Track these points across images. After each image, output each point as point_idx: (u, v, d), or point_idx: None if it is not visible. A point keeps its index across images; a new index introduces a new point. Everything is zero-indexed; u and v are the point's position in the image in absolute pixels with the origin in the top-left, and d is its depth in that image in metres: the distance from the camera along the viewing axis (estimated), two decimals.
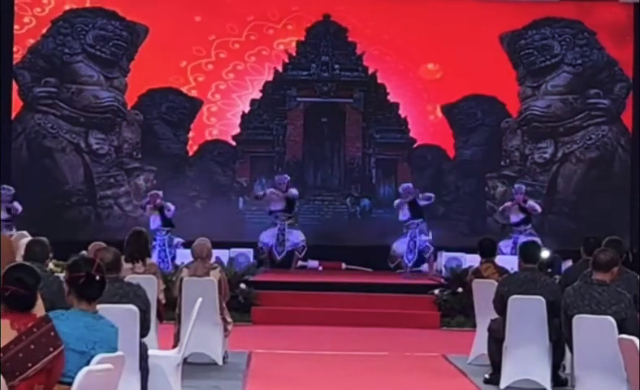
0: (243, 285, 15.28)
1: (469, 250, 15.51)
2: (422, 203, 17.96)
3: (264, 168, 20.07)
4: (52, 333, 4.81)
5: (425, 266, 18.04)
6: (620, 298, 7.86)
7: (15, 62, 19.62)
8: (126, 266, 9.42)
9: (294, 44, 20.24)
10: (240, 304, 14.85)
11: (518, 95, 20.26)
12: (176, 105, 20.08)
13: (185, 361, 9.18)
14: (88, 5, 19.97)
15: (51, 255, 8.87)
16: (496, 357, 9.90)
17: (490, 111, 20.25)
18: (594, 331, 7.68)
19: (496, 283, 10.12)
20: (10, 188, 17.61)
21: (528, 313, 9.48)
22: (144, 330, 7.70)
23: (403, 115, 20.17)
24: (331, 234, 19.73)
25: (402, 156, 20.24)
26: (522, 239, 16.71)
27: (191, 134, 20.09)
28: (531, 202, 18.18)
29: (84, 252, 8.23)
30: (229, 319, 11.20)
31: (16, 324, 4.81)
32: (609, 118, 20.17)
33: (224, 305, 11.17)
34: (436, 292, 15.53)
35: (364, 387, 10.32)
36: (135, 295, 7.75)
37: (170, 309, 10.67)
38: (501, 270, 11.11)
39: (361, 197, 20.26)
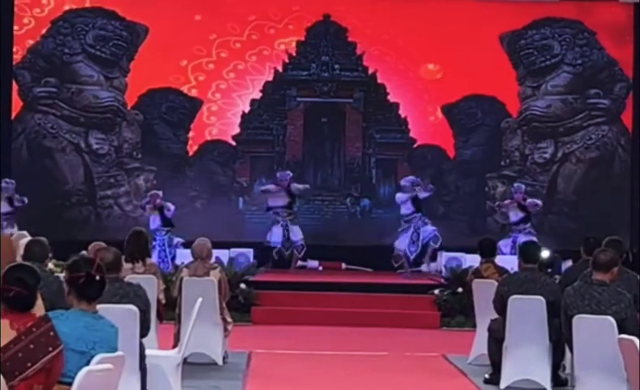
0: (243, 285, 15.28)
1: (469, 250, 15.50)
2: (423, 195, 17.95)
3: (264, 168, 20.07)
4: (51, 333, 4.81)
5: (425, 266, 18.03)
6: (620, 298, 7.86)
7: (15, 62, 19.63)
8: (126, 266, 9.42)
9: (294, 44, 20.24)
10: (239, 304, 14.84)
11: (518, 95, 20.26)
12: (176, 105, 20.08)
13: (185, 361, 9.18)
14: (87, 5, 19.97)
15: (50, 255, 8.88)
16: (496, 357, 9.90)
17: (490, 111, 20.25)
18: (594, 331, 7.68)
19: (496, 283, 10.11)
20: (12, 181, 17.71)
21: (528, 313, 9.48)
22: (144, 330, 7.70)
23: (403, 115, 20.17)
24: (331, 234, 19.74)
25: (402, 156, 20.24)
26: (521, 238, 16.77)
27: (191, 134, 20.09)
28: (531, 200, 18.20)
29: (84, 252, 8.23)
30: (229, 319, 11.20)
31: (15, 324, 4.81)
32: (609, 118, 20.17)
33: (224, 305, 11.17)
34: (436, 292, 15.53)
35: (364, 387, 10.32)
36: (135, 295, 7.75)
37: (170, 309, 10.67)
38: (501, 270, 11.11)
39: (361, 197, 20.27)
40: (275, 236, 18.27)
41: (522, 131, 20.26)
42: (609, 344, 7.30)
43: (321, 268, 19.08)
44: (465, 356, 11.32)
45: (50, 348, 4.77)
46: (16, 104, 19.70)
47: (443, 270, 16.74)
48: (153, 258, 13.81)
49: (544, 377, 9.51)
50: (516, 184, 18.79)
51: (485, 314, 10.50)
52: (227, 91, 20.11)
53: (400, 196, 18.08)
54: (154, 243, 16.70)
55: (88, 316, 5.14)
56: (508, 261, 14.12)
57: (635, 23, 19.89)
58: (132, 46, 19.95)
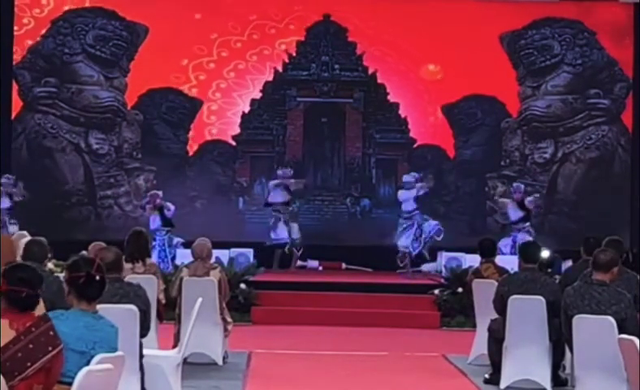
0: (243, 285, 15.28)
1: (469, 250, 15.50)
2: (422, 193, 18.02)
3: (264, 168, 20.07)
4: (51, 332, 4.81)
5: (425, 266, 18.04)
6: (620, 298, 7.86)
7: (15, 62, 19.63)
8: (126, 266, 9.41)
9: (294, 44, 20.24)
10: (239, 304, 14.84)
11: (518, 95, 20.27)
12: (176, 105, 20.08)
13: (185, 361, 9.18)
14: (87, 5, 19.96)
15: (49, 255, 8.88)
16: (496, 357, 9.90)
17: (490, 111, 20.25)
18: (594, 331, 7.67)
19: (496, 283, 10.11)
20: (12, 176, 17.77)
21: (528, 313, 9.48)
22: (144, 330, 7.70)
23: (403, 115, 20.17)
24: (331, 234, 19.74)
25: (402, 156, 20.24)
26: (519, 237, 16.80)
27: (191, 134, 20.10)
28: (529, 199, 18.22)
29: (84, 252, 8.23)
30: (229, 319, 11.20)
31: (15, 324, 4.80)
32: (609, 118, 20.17)
33: (224, 305, 11.17)
34: (436, 292, 15.53)
35: (364, 387, 10.32)
36: (135, 295, 7.75)
37: (170, 309, 10.67)
38: (501, 270, 11.11)
39: (361, 197, 20.27)
40: (281, 232, 18.30)
41: (522, 131, 20.27)
42: (609, 344, 7.30)
43: (321, 268, 19.09)
44: (465, 356, 11.31)
45: (50, 348, 4.77)
46: (16, 104, 19.70)
47: (443, 270, 16.74)
48: (153, 258, 13.80)
49: (544, 377, 9.51)
50: (515, 184, 18.80)
51: (485, 314, 10.50)
52: (227, 90, 20.12)
53: (405, 193, 18.02)
54: (154, 243, 16.70)
55: (88, 316, 5.14)
56: (508, 261, 14.12)
57: (635, 23, 19.89)
58: (132, 46, 19.95)
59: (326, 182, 20.32)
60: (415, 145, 20.22)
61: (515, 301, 9.53)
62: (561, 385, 9.78)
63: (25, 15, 19.79)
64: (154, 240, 16.76)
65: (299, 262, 18.77)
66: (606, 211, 19.45)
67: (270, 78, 20.16)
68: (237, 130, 20.12)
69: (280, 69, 20.20)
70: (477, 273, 11.37)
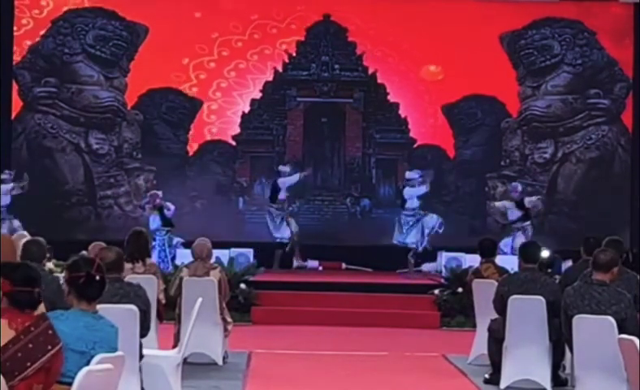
0: (243, 285, 15.29)
1: (469, 250, 15.51)
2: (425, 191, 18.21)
3: (264, 168, 20.07)
4: (50, 331, 4.80)
5: (425, 266, 18.05)
6: (620, 298, 7.86)
7: (15, 62, 19.63)
8: (126, 266, 9.41)
9: (294, 44, 20.24)
10: (239, 304, 14.85)
11: (518, 95, 20.26)
12: (176, 105, 20.08)
13: (185, 361, 9.18)
14: (87, 5, 19.96)
15: (48, 255, 8.89)
16: (496, 357, 9.90)
17: (490, 111, 20.25)
18: (594, 331, 7.67)
19: (496, 283, 10.11)
20: (11, 172, 17.83)
21: (528, 313, 9.48)
22: (144, 330, 7.70)
23: (403, 115, 20.17)
24: (331, 234, 19.74)
25: (402, 156, 20.23)
26: (518, 237, 16.86)
27: (191, 134, 20.10)
28: (528, 198, 18.24)
29: (84, 252, 8.24)
30: (229, 319, 11.20)
31: (14, 323, 4.80)
32: (609, 118, 20.17)
33: (224, 305, 11.17)
34: (436, 292, 15.53)
35: (364, 387, 10.32)
36: (135, 295, 7.75)
37: (170, 309, 10.67)
38: (501, 270, 11.11)
39: (361, 197, 20.27)
40: (285, 230, 18.33)
41: (522, 131, 20.26)
42: (609, 344, 7.30)
43: (321, 268, 19.09)
44: (465, 356, 11.31)
45: (49, 347, 4.77)
46: (16, 104, 19.70)
47: (443, 270, 16.75)
48: (153, 258, 13.80)
49: (544, 377, 9.51)
50: (512, 184, 18.83)
51: (485, 314, 10.50)
52: (227, 90, 20.12)
53: (411, 190, 18.03)
54: (154, 243, 16.70)
55: (88, 316, 5.14)
56: (508, 261, 14.12)
57: (635, 23, 19.89)
58: (132, 46, 19.95)
59: (326, 182, 20.32)
60: (415, 145, 20.22)
61: (515, 301, 9.53)
62: (561, 385, 9.78)
63: (24, 15, 19.78)
64: (154, 240, 16.77)
65: (299, 262, 18.77)
66: (606, 211, 19.45)
67: (270, 78, 20.16)
68: (237, 130, 20.12)
69: (280, 69, 20.20)
70: (477, 273, 11.36)
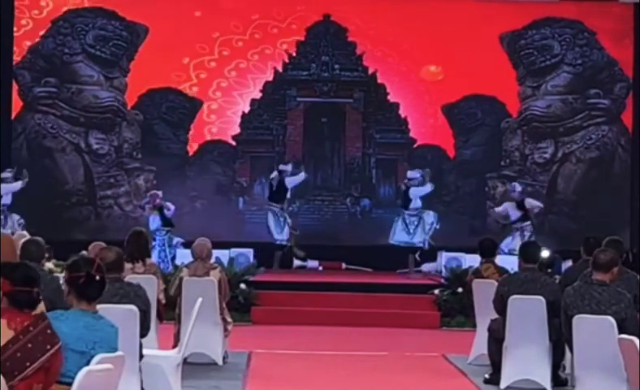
0: (243, 285, 15.28)
1: (469, 250, 15.51)
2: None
3: (264, 168, 20.05)
4: (48, 331, 4.80)
5: (425, 266, 18.05)
6: (620, 298, 7.86)
7: (15, 62, 19.62)
8: (126, 266, 9.41)
9: (294, 44, 20.24)
10: (239, 304, 14.85)
11: (518, 95, 20.26)
12: (176, 105, 20.08)
13: (185, 361, 9.18)
14: (87, 5, 19.96)
15: (47, 255, 8.89)
16: (496, 357, 9.90)
17: (490, 111, 20.25)
18: (594, 331, 7.67)
19: (496, 283, 10.11)
20: (11, 170, 17.85)
21: (528, 313, 9.48)
22: (144, 330, 7.70)
23: (403, 115, 20.17)
24: (331, 234, 19.75)
25: (402, 156, 20.23)
26: (516, 237, 16.91)
27: (191, 134, 20.09)
28: (529, 200, 18.23)
29: (84, 252, 8.24)
30: (229, 319, 11.20)
31: (12, 323, 4.80)
32: (609, 118, 20.17)
33: (224, 305, 11.17)
34: (436, 292, 15.53)
35: (364, 387, 10.32)
36: (135, 295, 7.75)
37: (170, 309, 10.67)
38: (501, 270, 11.11)
39: (361, 197, 20.26)
40: (285, 232, 18.33)
41: (522, 131, 20.26)
42: (609, 344, 7.30)
43: (321, 268, 19.09)
44: (465, 356, 11.31)
45: (48, 346, 4.77)
46: (16, 104, 19.70)
47: (443, 270, 16.75)
48: (153, 258, 13.80)
49: (544, 377, 9.51)
50: (511, 184, 18.84)
51: (485, 314, 10.50)
52: (227, 89, 20.11)
53: (418, 189, 18.06)
54: (154, 243, 16.70)
55: (88, 316, 5.14)
56: (509, 261, 14.12)
57: (635, 23, 19.88)
58: (132, 46, 19.95)
59: (326, 182, 20.32)
60: (415, 145, 20.22)
61: (515, 301, 9.53)
62: (561, 385, 9.78)
63: (24, 16, 19.77)
64: (154, 240, 16.77)
65: (299, 262, 18.77)
66: (606, 211, 19.45)
67: (271, 78, 20.16)
68: (237, 129, 20.12)
69: (280, 69, 20.20)
70: (477, 273, 11.37)
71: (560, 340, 9.21)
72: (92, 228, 19.31)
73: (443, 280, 16.04)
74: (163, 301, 9.94)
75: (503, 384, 9.62)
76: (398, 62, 20.15)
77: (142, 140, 20.00)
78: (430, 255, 18.13)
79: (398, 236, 18.17)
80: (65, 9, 19.89)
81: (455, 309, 14.99)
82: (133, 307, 7.55)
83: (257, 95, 20.13)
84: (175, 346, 9.78)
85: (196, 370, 10.19)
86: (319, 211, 20.25)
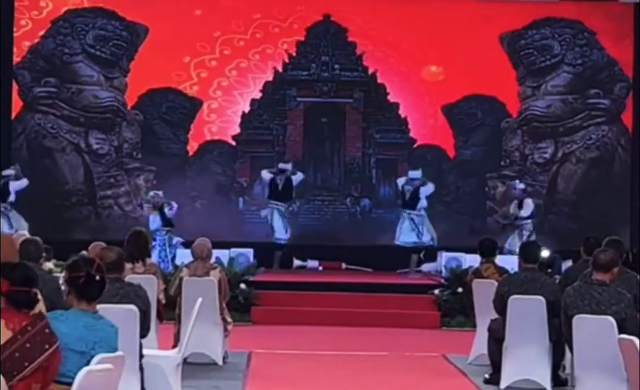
0: (243, 285, 15.28)
1: (469, 250, 15.50)
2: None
3: (264, 168, 20.03)
4: (46, 330, 4.80)
5: (425, 266, 18.05)
6: (620, 298, 7.87)
7: (14, 62, 19.62)
8: (126, 266, 9.41)
9: (294, 43, 20.23)
10: (239, 304, 14.85)
11: (518, 95, 20.26)
12: (176, 105, 20.07)
13: (185, 361, 9.18)
14: (86, 5, 19.96)
15: (45, 255, 8.90)
16: (496, 357, 9.90)
17: (490, 111, 20.24)
18: (594, 331, 7.68)
19: (496, 283, 10.12)
20: (13, 167, 17.89)
21: (528, 313, 9.48)
22: (145, 330, 7.71)
23: (403, 115, 20.17)
24: (331, 234, 19.74)
25: (402, 156, 20.22)
26: (515, 237, 16.98)
27: (191, 134, 20.09)
28: (528, 201, 18.25)
29: (84, 252, 8.24)
30: (229, 319, 11.20)
31: (11, 323, 4.80)
32: (609, 118, 20.16)
33: (224, 305, 11.17)
34: (436, 292, 15.53)
35: (364, 387, 10.32)
36: (135, 295, 7.75)
37: (170, 309, 10.67)
38: (501, 270, 11.11)
39: (361, 197, 20.25)
40: (288, 231, 18.37)
41: (522, 131, 20.26)
42: (609, 344, 7.30)
43: (321, 268, 19.09)
44: (465, 356, 11.32)
45: (47, 346, 4.77)
46: (16, 104, 19.70)
47: (443, 270, 16.75)
48: (153, 258, 13.80)
49: (544, 377, 9.51)
50: (510, 182, 18.86)
51: (485, 314, 10.50)
52: (228, 88, 20.10)
53: (425, 189, 18.09)
54: (154, 243, 16.69)
55: (88, 316, 5.15)
56: (508, 261, 14.12)
57: (635, 23, 19.88)
58: (132, 46, 19.94)
59: (326, 182, 20.31)
60: (415, 145, 20.21)
61: (515, 301, 9.53)
62: (561, 385, 9.78)
63: (24, 16, 19.77)
64: (154, 240, 16.76)
65: (299, 262, 18.77)
66: (606, 211, 19.45)
67: (271, 78, 20.16)
68: (237, 129, 20.12)
69: (280, 69, 20.20)
70: (477, 273, 11.37)
71: (560, 340, 9.21)
72: (93, 228, 19.31)
73: (443, 280, 16.04)
74: (163, 301, 9.94)
75: (503, 384, 9.63)
76: (398, 62, 20.15)
77: (142, 140, 19.99)
78: (430, 255, 18.14)
79: (406, 236, 18.16)
80: (65, 9, 19.89)
81: (455, 309, 14.98)
82: (133, 307, 7.56)
83: (257, 95, 20.12)
84: (175, 346, 9.79)
85: (196, 370, 10.19)
86: (319, 211, 20.24)
